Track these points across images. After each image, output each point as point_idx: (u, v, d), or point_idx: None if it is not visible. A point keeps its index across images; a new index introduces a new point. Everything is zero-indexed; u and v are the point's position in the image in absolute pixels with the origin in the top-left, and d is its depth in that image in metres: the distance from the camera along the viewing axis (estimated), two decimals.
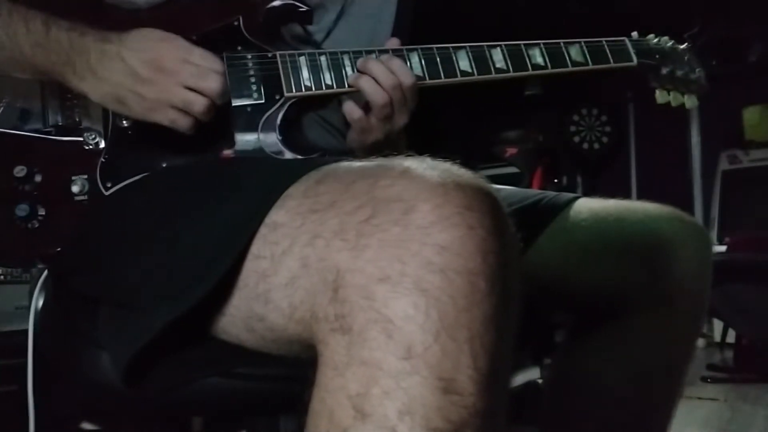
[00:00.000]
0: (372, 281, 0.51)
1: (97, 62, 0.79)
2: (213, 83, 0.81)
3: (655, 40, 1.10)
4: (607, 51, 1.03)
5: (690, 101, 1.13)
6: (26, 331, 0.92)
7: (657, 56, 1.08)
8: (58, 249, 0.83)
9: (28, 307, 0.93)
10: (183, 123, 0.82)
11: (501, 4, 3.29)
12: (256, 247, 0.63)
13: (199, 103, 0.81)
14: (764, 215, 3.49)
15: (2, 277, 1.77)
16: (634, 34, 1.09)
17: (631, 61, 1.05)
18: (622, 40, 1.06)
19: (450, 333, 0.50)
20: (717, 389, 2.80)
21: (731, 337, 3.36)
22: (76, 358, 0.84)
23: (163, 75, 0.79)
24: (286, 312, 0.60)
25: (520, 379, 2.15)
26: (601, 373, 1.01)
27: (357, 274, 0.52)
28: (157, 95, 0.79)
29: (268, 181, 0.68)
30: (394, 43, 0.95)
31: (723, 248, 3.18)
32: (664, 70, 1.09)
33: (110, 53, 0.79)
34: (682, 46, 1.13)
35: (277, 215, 0.62)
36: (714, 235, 3.68)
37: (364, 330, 0.50)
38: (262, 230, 0.63)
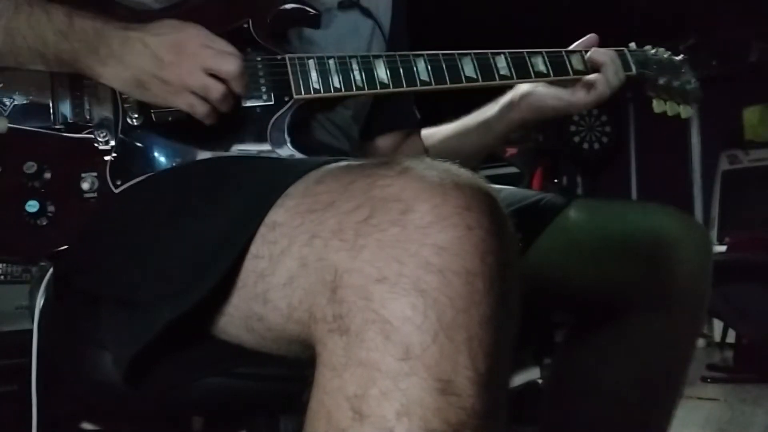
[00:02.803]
0: (370, 281, 0.51)
1: (120, 48, 0.80)
2: (232, 65, 0.81)
3: (653, 51, 1.13)
4: None
5: (685, 111, 1.16)
6: (26, 331, 0.92)
7: (654, 67, 1.11)
8: (66, 246, 0.83)
9: (28, 307, 0.93)
10: (201, 109, 0.82)
11: (503, 11, 3.30)
12: (255, 247, 0.63)
13: (216, 90, 0.81)
14: (764, 215, 3.48)
15: (2, 277, 1.77)
16: (632, 44, 1.11)
17: (631, 71, 1.08)
18: (621, 50, 1.09)
19: (448, 334, 0.50)
20: (717, 389, 2.80)
21: (731, 337, 3.36)
22: (77, 357, 0.84)
23: (185, 58, 0.80)
24: (284, 312, 0.60)
25: (520, 379, 2.15)
26: (601, 373, 1.01)
27: (355, 274, 0.52)
28: (177, 79, 0.80)
29: (267, 181, 0.68)
30: None
31: (723, 248, 3.17)
32: (661, 81, 1.11)
33: (133, 39, 0.80)
34: (678, 58, 1.15)
35: (276, 215, 0.62)
36: (714, 235, 3.67)
37: (361, 331, 0.50)
38: (261, 230, 0.63)
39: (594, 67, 1.04)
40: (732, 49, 3.38)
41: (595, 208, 1.02)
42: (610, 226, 0.99)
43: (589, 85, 1.04)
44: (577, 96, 1.05)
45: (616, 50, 1.07)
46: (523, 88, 1.10)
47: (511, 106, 1.11)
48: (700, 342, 3.44)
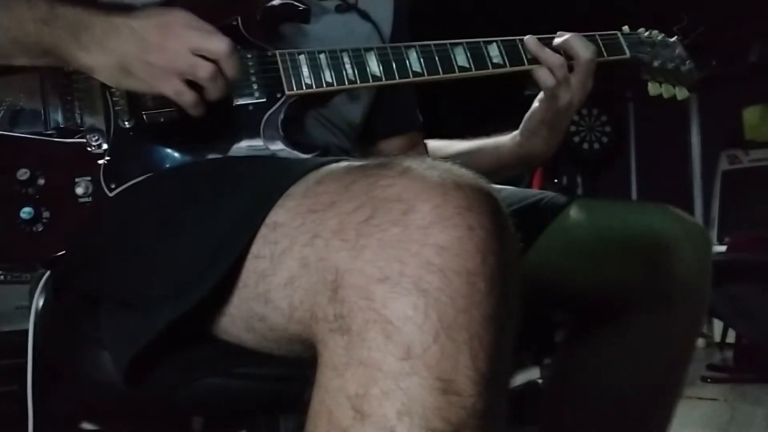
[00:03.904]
0: (371, 281, 0.51)
1: (103, 34, 0.78)
2: (221, 43, 0.79)
3: (646, 34, 1.12)
4: (601, 45, 1.04)
5: (681, 93, 1.14)
6: (27, 332, 0.92)
7: (648, 49, 1.10)
8: (63, 252, 0.83)
9: (28, 307, 0.93)
10: (188, 96, 0.80)
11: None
12: (256, 247, 0.63)
13: (205, 68, 0.79)
14: (764, 215, 3.48)
15: (2, 277, 1.77)
16: (625, 27, 1.10)
17: (624, 54, 1.06)
18: (615, 34, 1.07)
19: (449, 333, 0.50)
20: (717, 389, 2.80)
21: (731, 337, 3.36)
22: (77, 357, 0.84)
23: (171, 39, 0.78)
24: (285, 312, 0.60)
25: (520, 379, 2.15)
26: (601, 373, 1.01)
27: (356, 274, 0.52)
28: (164, 61, 0.78)
29: (268, 181, 0.68)
30: None
31: (723, 248, 3.18)
32: (656, 63, 1.10)
33: (118, 24, 0.78)
34: (672, 39, 1.14)
35: (276, 215, 0.62)
36: (714, 235, 3.68)
37: (363, 330, 0.50)
38: (262, 230, 0.63)
39: (567, 53, 1.00)
40: (732, 49, 3.38)
41: (595, 208, 1.01)
42: (610, 226, 0.99)
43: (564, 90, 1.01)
44: (547, 103, 1.02)
45: (609, 34, 1.06)
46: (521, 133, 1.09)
47: (519, 145, 1.10)
48: (700, 342, 3.44)
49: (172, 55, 0.78)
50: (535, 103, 1.06)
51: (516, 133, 1.11)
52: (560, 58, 0.99)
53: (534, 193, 1.05)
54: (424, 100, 1.20)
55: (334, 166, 0.64)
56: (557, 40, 1.00)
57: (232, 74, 0.81)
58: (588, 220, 1.00)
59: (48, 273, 0.94)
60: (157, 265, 0.73)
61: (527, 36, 0.99)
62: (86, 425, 1.55)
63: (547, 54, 0.98)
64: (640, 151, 4.46)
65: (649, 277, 0.95)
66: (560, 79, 0.98)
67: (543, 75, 0.99)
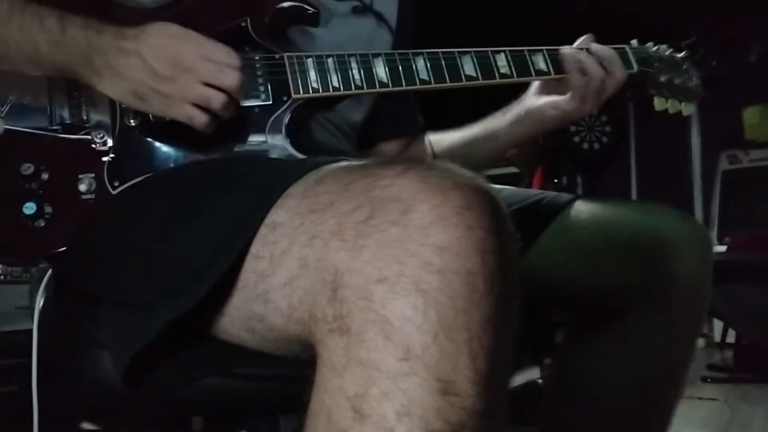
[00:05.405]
0: (370, 282, 0.51)
1: (115, 60, 0.79)
2: (231, 79, 0.80)
3: (654, 48, 1.12)
4: None
5: (687, 109, 1.14)
6: (26, 331, 0.92)
7: (656, 64, 1.10)
8: (64, 248, 0.83)
9: (28, 307, 0.93)
10: (200, 119, 0.81)
11: (504, 9, 3.30)
12: (256, 248, 0.63)
13: (217, 100, 0.80)
14: (764, 215, 3.48)
15: (2, 277, 1.77)
16: (634, 41, 1.10)
17: (632, 68, 1.06)
18: (623, 48, 1.07)
19: (448, 334, 0.50)
20: (717, 389, 2.79)
21: (731, 337, 3.36)
22: (76, 357, 0.84)
23: (182, 72, 0.78)
24: (285, 312, 0.60)
25: (520, 379, 2.15)
26: (601, 373, 1.01)
27: (355, 274, 0.52)
28: (175, 92, 0.79)
29: (267, 181, 0.68)
30: None
31: (723, 248, 3.18)
32: (663, 78, 1.10)
33: (128, 51, 0.79)
34: (680, 55, 1.14)
35: (276, 215, 0.63)
36: (714, 235, 3.67)
37: (362, 331, 0.50)
38: (262, 230, 0.63)
39: (600, 63, 1.02)
40: (732, 49, 3.38)
41: (595, 208, 1.01)
42: (610, 225, 0.99)
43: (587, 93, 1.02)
44: (574, 104, 1.03)
45: (617, 47, 1.06)
46: (527, 102, 1.09)
47: (518, 120, 1.10)
48: (700, 342, 3.44)
49: (184, 87, 0.79)
50: (542, 99, 1.06)
51: (506, 116, 1.12)
52: (602, 71, 1.01)
53: (534, 193, 1.05)
54: (426, 97, 1.20)
55: (333, 166, 0.64)
56: (596, 48, 1.02)
57: (241, 100, 0.83)
58: (588, 220, 1.00)
59: (49, 273, 0.94)
60: (156, 265, 0.73)
61: (565, 46, 1.02)
62: (86, 425, 1.55)
63: (592, 64, 1.01)
64: (640, 151, 4.46)
65: (650, 277, 0.95)
66: (595, 89, 1.00)
67: (578, 81, 1.01)
